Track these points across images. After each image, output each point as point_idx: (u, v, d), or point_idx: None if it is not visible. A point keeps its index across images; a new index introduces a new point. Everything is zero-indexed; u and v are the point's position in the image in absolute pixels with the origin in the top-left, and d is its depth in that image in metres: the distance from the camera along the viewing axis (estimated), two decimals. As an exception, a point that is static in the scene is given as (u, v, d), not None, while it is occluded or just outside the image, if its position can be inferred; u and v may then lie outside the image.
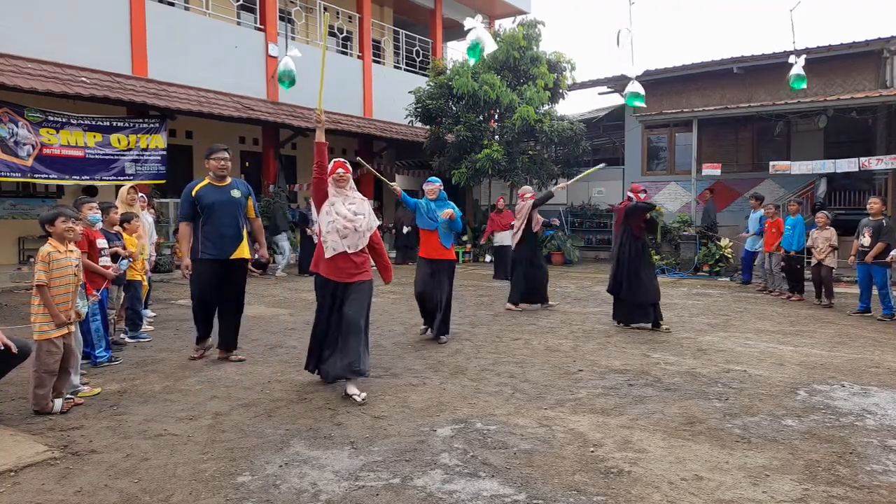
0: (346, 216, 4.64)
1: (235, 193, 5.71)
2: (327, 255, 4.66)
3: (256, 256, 6.00)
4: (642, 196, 7.52)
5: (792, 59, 10.19)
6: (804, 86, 9.42)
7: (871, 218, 8.21)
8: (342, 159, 4.85)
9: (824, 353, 6.11)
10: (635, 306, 7.33)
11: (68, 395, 4.45)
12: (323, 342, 4.81)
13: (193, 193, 5.56)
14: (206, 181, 5.68)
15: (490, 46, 6.04)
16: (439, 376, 5.21)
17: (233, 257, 5.62)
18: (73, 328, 4.45)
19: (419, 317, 7.01)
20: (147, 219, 7.59)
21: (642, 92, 11.18)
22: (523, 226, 8.61)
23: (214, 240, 5.56)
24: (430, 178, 6.96)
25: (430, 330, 6.83)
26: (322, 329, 4.81)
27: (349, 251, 4.64)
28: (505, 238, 12.20)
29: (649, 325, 7.26)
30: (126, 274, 6.20)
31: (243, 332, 6.77)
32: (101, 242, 5.56)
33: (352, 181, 4.86)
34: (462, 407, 4.41)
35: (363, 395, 4.54)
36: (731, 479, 3.24)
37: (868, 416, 4.22)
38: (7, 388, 4.74)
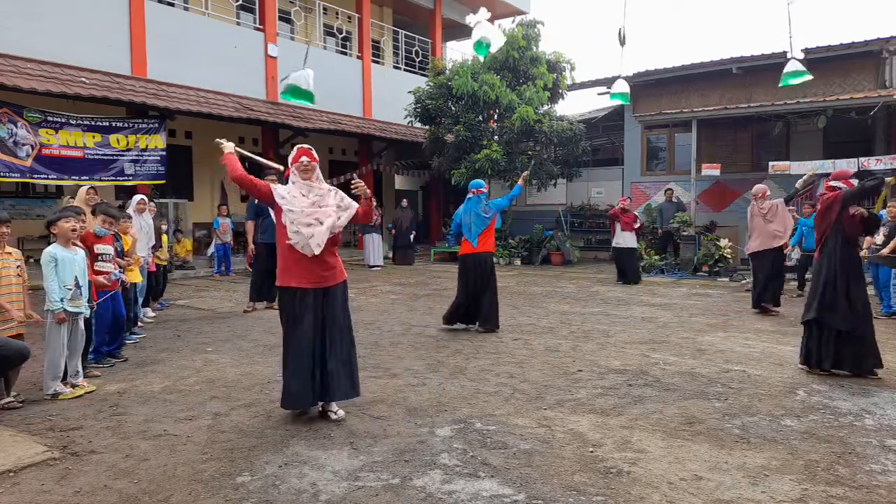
0: (304, 210, 4.00)
1: None
2: (297, 257, 4.00)
3: None
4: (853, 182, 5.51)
5: (794, 53, 10.13)
6: (797, 81, 9.36)
7: (890, 219, 8.10)
8: (307, 146, 4.23)
9: (823, 353, 6.10)
10: (852, 340, 5.19)
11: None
12: (312, 364, 4.04)
13: (256, 202, 8.06)
14: None
15: (498, 41, 5.84)
16: (439, 376, 5.22)
17: None
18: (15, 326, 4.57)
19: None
20: (147, 221, 7.60)
21: (626, 90, 11.55)
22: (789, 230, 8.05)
23: (268, 232, 7.97)
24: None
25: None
26: (306, 349, 4.03)
27: (316, 250, 3.99)
28: (630, 240, 11.64)
29: (876, 372, 5.16)
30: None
31: (243, 332, 6.95)
32: (101, 248, 5.48)
33: (318, 172, 4.22)
34: (461, 407, 4.41)
35: (342, 412, 4.19)
36: (730, 479, 3.25)
37: (867, 415, 4.22)
38: (7, 389, 4.76)
